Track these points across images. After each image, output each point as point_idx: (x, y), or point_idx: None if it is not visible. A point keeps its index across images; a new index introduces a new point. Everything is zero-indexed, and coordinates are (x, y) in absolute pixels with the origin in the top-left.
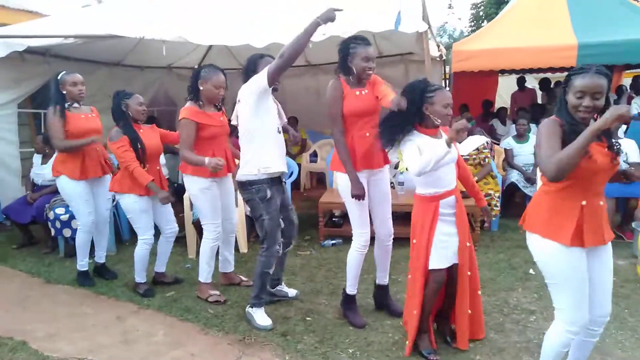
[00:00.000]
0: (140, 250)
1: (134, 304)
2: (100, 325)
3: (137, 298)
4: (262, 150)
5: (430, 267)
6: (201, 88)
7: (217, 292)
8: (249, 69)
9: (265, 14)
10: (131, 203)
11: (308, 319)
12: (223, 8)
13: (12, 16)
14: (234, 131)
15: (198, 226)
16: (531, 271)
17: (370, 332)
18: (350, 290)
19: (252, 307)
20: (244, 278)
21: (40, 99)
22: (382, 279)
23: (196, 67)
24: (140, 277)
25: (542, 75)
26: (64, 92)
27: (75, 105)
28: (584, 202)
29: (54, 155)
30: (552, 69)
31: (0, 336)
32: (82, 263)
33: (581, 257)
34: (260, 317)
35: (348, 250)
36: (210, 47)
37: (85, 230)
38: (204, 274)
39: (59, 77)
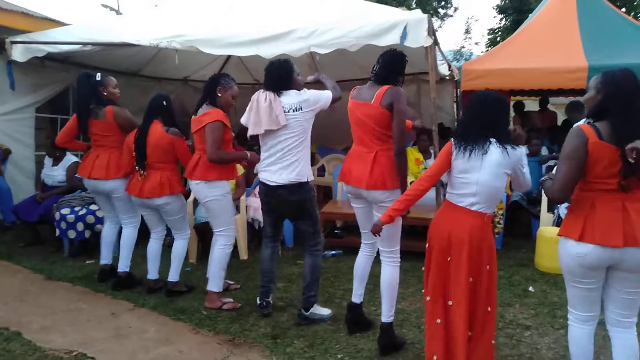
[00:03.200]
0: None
1: (129, 302)
2: (95, 321)
3: (133, 296)
4: (308, 157)
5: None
6: (219, 95)
7: (230, 299)
8: (283, 75)
9: (275, 26)
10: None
11: (301, 324)
12: (236, 20)
13: (34, 24)
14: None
15: (199, 230)
16: (530, 289)
17: (361, 340)
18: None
19: (314, 305)
20: (230, 282)
21: (58, 105)
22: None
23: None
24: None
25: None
26: (105, 93)
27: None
28: None
29: (65, 158)
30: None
31: None
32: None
33: None
34: (323, 309)
35: (347, 261)
36: (226, 60)
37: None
38: (218, 283)
39: (98, 79)
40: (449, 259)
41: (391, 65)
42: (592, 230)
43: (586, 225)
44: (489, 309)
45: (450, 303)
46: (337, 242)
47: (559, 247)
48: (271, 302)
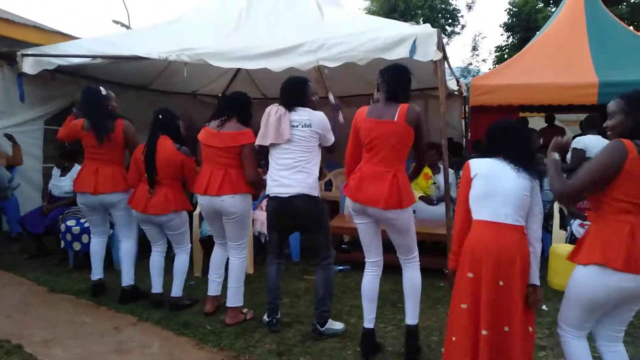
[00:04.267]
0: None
1: (133, 316)
2: (97, 334)
3: (137, 310)
4: (317, 173)
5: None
6: (251, 116)
7: (247, 309)
8: (297, 91)
9: (283, 40)
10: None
11: (306, 341)
12: (244, 33)
13: (46, 37)
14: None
15: (205, 244)
16: (544, 307)
17: (369, 358)
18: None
19: (329, 320)
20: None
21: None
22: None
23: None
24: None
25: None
26: (110, 107)
27: None
28: None
29: (73, 169)
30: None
31: None
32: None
33: None
34: (336, 323)
35: (355, 276)
36: (235, 75)
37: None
38: (241, 297)
39: (104, 93)
40: (500, 283)
41: (402, 81)
42: (637, 260)
43: (630, 254)
44: (530, 329)
45: (506, 329)
46: (345, 257)
47: (584, 275)
48: (280, 319)
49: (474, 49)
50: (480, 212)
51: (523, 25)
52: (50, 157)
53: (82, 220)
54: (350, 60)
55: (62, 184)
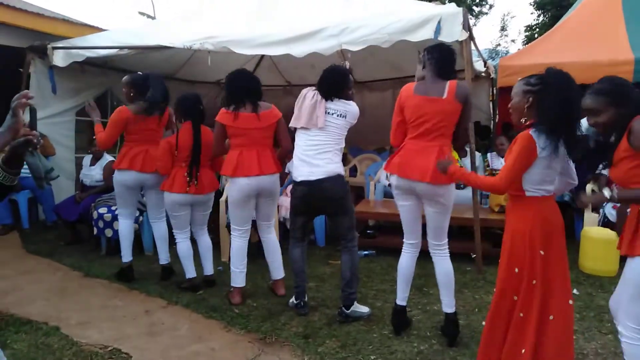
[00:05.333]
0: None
1: (163, 299)
2: (129, 317)
3: (167, 294)
4: (341, 156)
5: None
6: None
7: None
8: (338, 83)
9: (306, 25)
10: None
11: (332, 324)
12: (267, 20)
13: (75, 30)
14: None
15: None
16: (575, 291)
17: (394, 341)
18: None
19: (355, 302)
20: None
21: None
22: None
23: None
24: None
25: None
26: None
27: None
28: None
29: (102, 157)
30: None
31: (37, 321)
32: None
33: None
34: (362, 306)
35: (380, 261)
36: (259, 63)
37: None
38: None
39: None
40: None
41: (450, 58)
42: None
43: None
44: (571, 301)
45: (551, 318)
46: (370, 242)
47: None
48: (307, 302)
49: (503, 29)
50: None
51: (555, 3)
52: (80, 148)
53: (113, 208)
54: (373, 43)
55: (92, 172)
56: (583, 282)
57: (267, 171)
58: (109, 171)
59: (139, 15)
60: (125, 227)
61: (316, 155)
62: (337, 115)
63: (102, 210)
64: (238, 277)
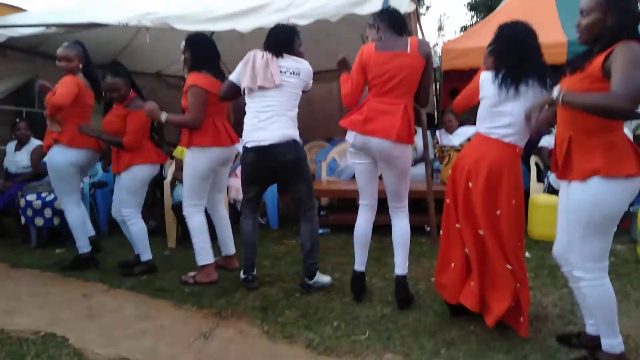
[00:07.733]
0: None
1: (103, 283)
2: (64, 302)
3: (108, 279)
4: (296, 121)
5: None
6: None
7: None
8: (287, 39)
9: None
10: None
11: (291, 297)
12: None
13: None
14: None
15: (177, 211)
16: (527, 254)
17: (356, 307)
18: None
19: (317, 272)
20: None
21: (22, 97)
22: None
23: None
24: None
25: None
26: None
27: None
28: None
29: (29, 143)
30: None
31: None
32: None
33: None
34: (323, 275)
35: (335, 239)
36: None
37: None
38: None
39: None
40: (470, 184)
41: (401, 18)
42: None
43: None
44: (519, 243)
45: (481, 232)
46: (324, 220)
47: (603, 192)
48: (256, 275)
49: (440, 28)
50: None
51: (486, 5)
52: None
53: (43, 195)
54: (322, 16)
55: (17, 158)
56: (533, 246)
57: (236, 140)
58: (37, 156)
59: None
60: (77, 217)
61: (270, 118)
62: (290, 73)
63: (31, 197)
64: (209, 252)
